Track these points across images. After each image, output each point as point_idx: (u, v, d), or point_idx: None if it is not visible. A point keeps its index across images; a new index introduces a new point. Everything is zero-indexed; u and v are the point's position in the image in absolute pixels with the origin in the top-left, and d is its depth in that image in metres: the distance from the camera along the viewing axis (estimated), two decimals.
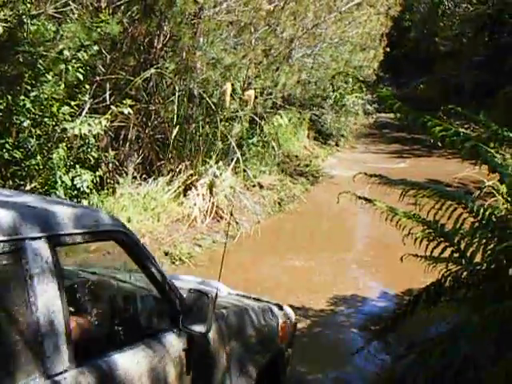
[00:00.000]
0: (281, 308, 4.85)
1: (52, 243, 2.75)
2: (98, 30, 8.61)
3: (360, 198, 5.17)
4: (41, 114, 7.76)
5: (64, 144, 7.98)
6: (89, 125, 8.06)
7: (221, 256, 3.45)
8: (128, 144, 10.30)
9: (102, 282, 3.77)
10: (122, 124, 9.81)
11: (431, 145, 4.50)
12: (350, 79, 17.93)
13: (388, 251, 8.89)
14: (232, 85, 11.24)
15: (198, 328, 3.39)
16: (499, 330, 3.87)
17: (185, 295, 3.50)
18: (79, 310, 3.23)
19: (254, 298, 4.79)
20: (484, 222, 4.34)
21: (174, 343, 3.39)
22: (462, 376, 3.99)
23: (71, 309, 2.92)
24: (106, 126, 8.41)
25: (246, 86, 12.31)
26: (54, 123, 7.88)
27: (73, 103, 8.06)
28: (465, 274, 4.27)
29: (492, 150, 4.67)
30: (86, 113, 8.59)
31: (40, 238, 2.70)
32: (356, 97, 21.12)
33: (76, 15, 9.18)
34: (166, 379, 3.27)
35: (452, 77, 26.03)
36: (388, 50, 20.58)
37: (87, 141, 8.30)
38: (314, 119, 19.37)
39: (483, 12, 25.31)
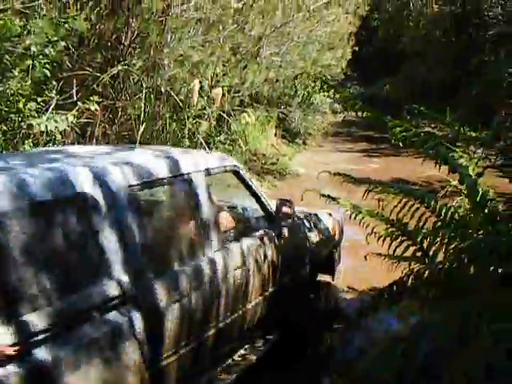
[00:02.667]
0: (330, 215, 7.14)
1: (207, 174, 5.06)
2: (66, 25, 8.54)
3: (324, 195, 5.35)
4: (7, 109, 7.70)
5: (30, 140, 7.94)
6: (55, 121, 7.99)
7: None
8: (94, 141, 10.26)
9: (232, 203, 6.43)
10: (89, 120, 9.76)
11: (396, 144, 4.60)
12: (319, 77, 18.02)
13: (353, 250, 8.91)
14: (200, 82, 11.24)
15: (284, 223, 5.93)
16: (460, 329, 3.96)
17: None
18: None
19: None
20: (446, 221, 4.44)
21: (271, 232, 5.75)
22: (423, 374, 4.10)
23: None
24: (72, 122, 8.36)
25: (213, 83, 12.30)
26: (19, 119, 7.81)
27: (39, 99, 8.03)
28: (427, 272, 4.35)
29: (458, 150, 4.75)
30: (53, 109, 8.48)
31: (201, 171, 4.95)
32: (324, 95, 21.22)
33: (44, 11, 9.14)
34: (268, 251, 5.60)
35: (419, 76, 26.30)
36: (356, 49, 20.73)
37: (53, 137, 8.26)
38: (281, 117, 19.46)
39: (450, 12, 25.60)
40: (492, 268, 4.10)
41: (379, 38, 31.45)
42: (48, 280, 3.32)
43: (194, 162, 4.99)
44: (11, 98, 7.69)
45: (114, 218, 3.85)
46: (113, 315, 3.65)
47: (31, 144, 7.90)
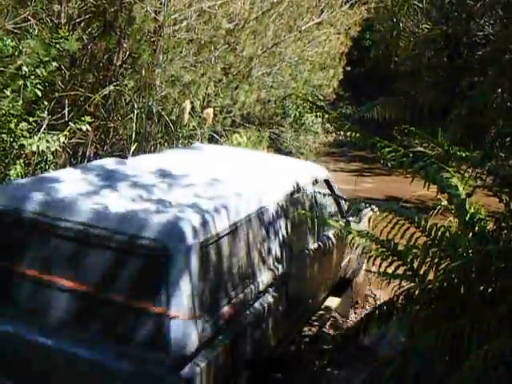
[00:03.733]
0: None
1: (314, 183, 6.91)
2: (57, 46, 8.63)
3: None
4: None
5: (22, 160, 7.99)
6: (47, 141, 8.06)
7: None
8: (86, 161, 10.28)
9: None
10: (81, 141, 9.80)
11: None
12: (310, 98, 18.07)
13: None
14: (191, 102, 11.28)
15: (351, 218, 7.68)
16: (450, 349, 3.97)
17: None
18: None
19: None
20: (436, 240, 4.47)
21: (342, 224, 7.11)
22: None
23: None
24: (64, 142, 8.43)
25: (205, 103, 12.32)
26: (11, 139, 7.87)
27: (31, 119, 8.09)
28: (417, 292, 4.37)
29: (451, 169, 4.77)
30: (44, 129, 8.57)
31: (311, 182, 6.90)
32: (316, 116, 21.23)
33: (35, 31, 9.20)
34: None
35: (411, 97, 26.37)
36: (348, 68, 20.75)
37: (45, 157, 8.35)
38: (273, 137, 19.43)
39: (442, 33, 25.71)
40: (482, 288, 4.12)
41: (371, 58, 31.51)
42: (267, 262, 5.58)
43: (312, 174, 7.27)
44: (3, 118, 7.74)
45: (277, 227, 5.85)
46: (276, 286, 5.64)
47: (22, 164, 7.92)
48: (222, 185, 5.42)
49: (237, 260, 4.97)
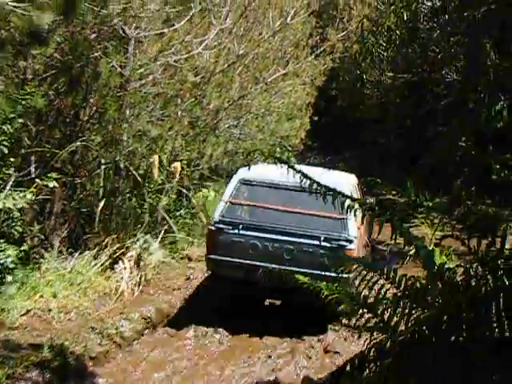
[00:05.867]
0: None
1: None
2: (24, 102, 8.69)
3: None
4: None
5: None
6: (13, 199, 8.06)
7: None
8: (53, 217, 10.26)
9: None
10: (48, 197, 9.79)
11: None
12: (278, 148, 18.20)
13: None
14: (159, 157, 11.34)
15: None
16: None
17: None
18: None
19: None
20: (406, 292, 4.51)
21: None
22: None
23: None
24: (31, 199, 8.41)
25: (172, 157, 12.38)
26: None
27: None
28: (389, 343, 4.40)
29: (420, 217, 4.85)
30: (11, 186, 8.58)
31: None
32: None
33: (1, 87, 9.24)
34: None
35: (377, 145, 26.70)
36: (316, 118, 20.98)
37: (11, 215, 8.31)
38: None
39: (407, 81, 25.97)
40: (453, 338, 4.16)
41: (337, 107, 31.75)
42: None
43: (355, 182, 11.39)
44: None
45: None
46: None
47: None
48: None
49: None
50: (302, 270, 8.62)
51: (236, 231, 9.79)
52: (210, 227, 10.13)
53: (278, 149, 17.79)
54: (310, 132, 19.67)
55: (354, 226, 9.67)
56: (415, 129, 24.01)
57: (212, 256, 9.93)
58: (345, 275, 8.30)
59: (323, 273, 8.77)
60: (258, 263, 9.62)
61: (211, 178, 14.79)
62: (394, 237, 4.29)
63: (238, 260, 9.73)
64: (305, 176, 4.73)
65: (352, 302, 4.68)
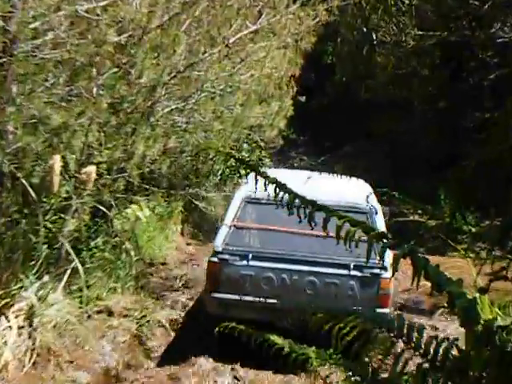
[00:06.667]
0: None
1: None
2: None
3: None
4: None
5: None
6: None
7: None
8: None
9: None
10: None
11: None
12: (245, 144, 18.11)
13: None
14: (63, 157, 11.19)
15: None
16: None
17: None
18: None
19: None
20: (437, 361, 4.48)
21: None
22: None
23: None
24: None
25: (84, 158, 12.19)
26: None
27: None
28: None
29: (460, 248, 4.81)
30: None
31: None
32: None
33: None
34: None
35: (394, 139, 26.42)
36: (302, 99, 20.85)
37: None
38: (189, 208, 19.27)
39: (442, 42, 25.21)
40: None
41: (334, 83, 31.43)
42: None
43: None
44: None
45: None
46: None
47: None
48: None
49: None
50: (326, 306, 10.16)
51: (245, 262, 11.19)
52: (211, 259, 11.46)
53: (244, 145, 17.63)
54: (295, 120, 19.32)
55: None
56: (451, 114, 23.92)
57: (216, 295, 11.33)
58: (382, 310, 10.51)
59: (353, 309, 10.19)
60: (273, 301, 10.99)
61: (144, 190, 14.65)
62: (416, 280, 4.22)
63: (248, 298, 11.16)
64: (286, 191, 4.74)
65: (353, 380, 4.63)
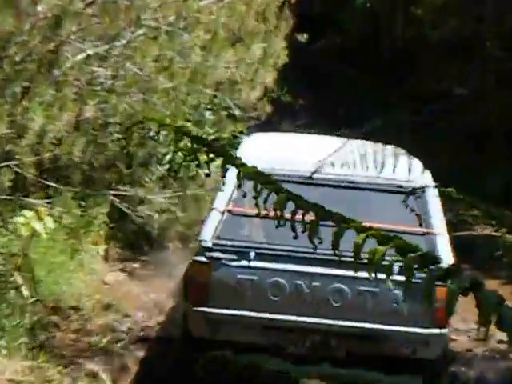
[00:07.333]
0: None
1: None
2: None
3: None
4: None
5: None
6: None
7: None
8: None
9: None
10: None
11: None
12: (209, 113, 17.11)
13: None
14: None
15: None
16: None
17: None
18: None
19: None
20: None
21: None
22: None
23: None
24: None
25: None
26: None
27: None
28: None
29: None
30: None
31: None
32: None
33: None
34: None
35: (448, 107, 25.44)
36: (304, 38, 20.01)
37: None
38: (120, 215, 18.31)
39: None
40: None
41: (356, 11, 30.46)
42: None
43: None
44: None
45: None
46: None
47: None
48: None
49: None
50: (360, 324, 10.23)
51: (245, 262, 10.89)
52: (197, 258, 11.12)
53: (207, 114, 16.65)
54: (290, 73, 18.65)
55: (448, 246, 10.90)
56: None
57: (202, 309, 11.00)
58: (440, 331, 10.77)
59: (398, 329, 10.19)
60: (284, 317, 10.84)
61: (44, 188, 13.76)
62: (481, 323, 3.81)
63: (249, 313, 10.93)
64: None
65: None
